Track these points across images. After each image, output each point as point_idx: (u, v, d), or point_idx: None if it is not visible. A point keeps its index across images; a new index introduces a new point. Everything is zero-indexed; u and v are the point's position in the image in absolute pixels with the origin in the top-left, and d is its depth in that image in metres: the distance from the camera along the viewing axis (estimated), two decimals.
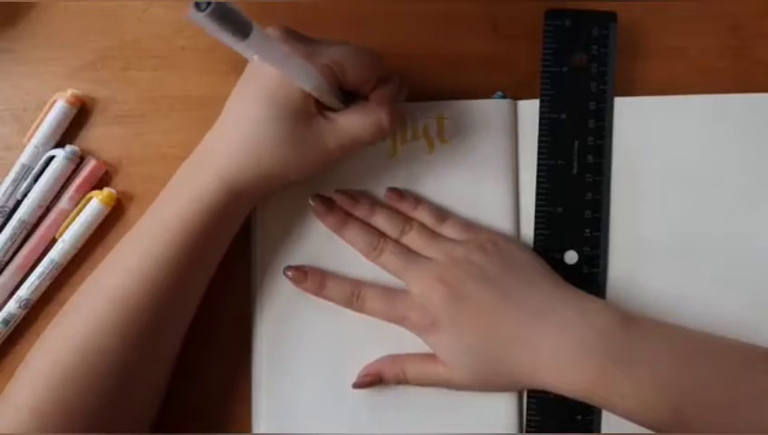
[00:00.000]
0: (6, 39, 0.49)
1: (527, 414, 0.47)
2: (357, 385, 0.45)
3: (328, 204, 0.46)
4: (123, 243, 0.43)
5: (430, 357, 0.44)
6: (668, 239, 0.47)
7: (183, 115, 0.48)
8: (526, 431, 0.46)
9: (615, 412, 0.41)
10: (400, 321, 0.45)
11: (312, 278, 0.46)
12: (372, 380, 0.45)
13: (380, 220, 0.46)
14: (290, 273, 0.46)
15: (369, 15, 0.49)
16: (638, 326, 0.42)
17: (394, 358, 0.46)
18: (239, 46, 0.32)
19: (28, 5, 0.49)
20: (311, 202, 0.46)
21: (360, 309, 0.45)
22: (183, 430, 0.47)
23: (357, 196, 0.47)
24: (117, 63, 0.49)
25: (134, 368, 0.41)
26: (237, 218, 0.44)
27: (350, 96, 0.43)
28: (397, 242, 0.46)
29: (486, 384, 0.44)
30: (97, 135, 0.48)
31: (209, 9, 0.30)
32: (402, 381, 0.45)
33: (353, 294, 0.45)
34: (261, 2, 0.49)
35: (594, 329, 0.42)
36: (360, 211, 0.47)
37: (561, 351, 0.41)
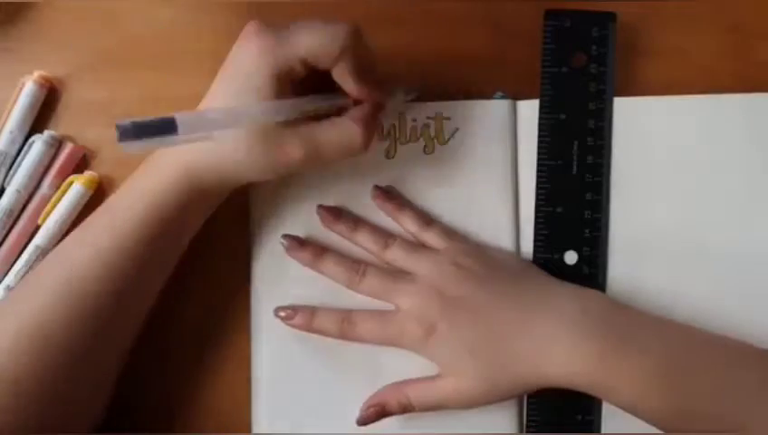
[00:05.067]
0: (6, 39, 0.49)
1: (527, 414, 0.47)
2: (361, 421, 0.44)
3: (299, 241, 0.46)
4: (88, 221, 0.43)
5: (431, 378, 0.44)
6: (668, 239, 0.47)
7: None
8: (526, 431, 0.47)
9: (615, 400, 0.41)
10: (396, 339, 0.44)
11: (302, 314, 0.45)
12: (375, 411, 0.44)
13: (363, 236, 0.46)
14: (283, 313, 0.46)
15: (368, 16, 0.49)
16: (631, 311, 0.44)
17: (395, 386, 0.45)
18: (179, 140, 0.33)
19: (28, 5, 0.49)
20: (281, 241, 0.46)
21: (353, 334, 0.44)
22: (183, 430, 0.47)
23: (339, 212, 0.47)
24: (117, 63, 0.49)
25: (84, 345, 0.41)
26: (201, 211, 0.44)
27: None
28: (376, 267, 0.45)
29: (492, 389, 0.43)
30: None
31: (128, 131, 0.31)
32: (407, 407, 0.44)
33: (343, 320, 0.44)
34: (261, 2, 0.49)
35: (590, 313, 0.42)
36: (342, 227, 0.46)
37: (560, 338, 0.41)
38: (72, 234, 0.43)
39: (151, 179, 0.42)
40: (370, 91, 0.42)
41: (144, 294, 0.44)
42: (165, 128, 0.32)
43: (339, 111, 0.42)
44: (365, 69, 0.41)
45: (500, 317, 0.43)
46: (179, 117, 0.33)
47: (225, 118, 0.38)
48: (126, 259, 0.41)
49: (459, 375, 0.43)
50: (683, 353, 0.41)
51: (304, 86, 0.42)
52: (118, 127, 0.31)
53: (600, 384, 0.41)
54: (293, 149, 0.41)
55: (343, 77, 0.41)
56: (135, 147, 0.32)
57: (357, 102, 0.43)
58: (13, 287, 0.46)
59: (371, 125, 0.42)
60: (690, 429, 0.40)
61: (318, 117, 0.42)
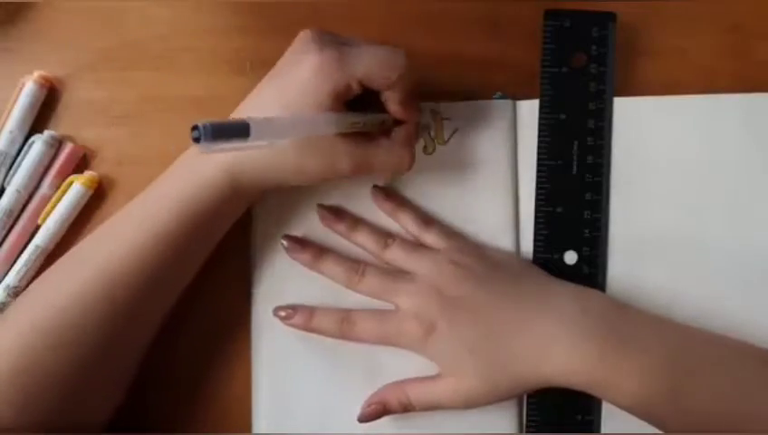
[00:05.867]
0: (6, 39, 0.49)
1: (527, 414, 0.47)
2: (362, 417, 0.45)
3: (300, 242, 0.46)
4: (119, 215, 0.43)
5: (431, 377, 0.44)
6: (668, 239, 0.47)
7: (183, 115, 0.48)
8: (526, 431, 0.47)
9: (615, 400, 0.41)
10: (395, 338, 0.44)
11: (301, 313, 0.45)
12: (376, 409, 0.44)
13: (363, 235, 0.46)
14: (282, 313, 0.46)
15: (369, 15, 0.49)
16: (631, 311, 0.44)
17: (395, 385, 0.45)
18: (246, 145, 0.33)
19: (28, 5, 0.49)
20: (282, 242, 0.46)
21: (352, 333, 0.45)
22: (183, 430, 0.47)
23: (339, 211, 0.47)
24: (117, 63, 0.49)
25: (112, 339, 0.41)
26: (235, 211, 0.44)
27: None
28: (376, 266, 0.46)
29: (492, 389, 0.43)
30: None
31: (204, 133, 0.31)
32: (407, 406, 0.44)
33: (342, 320, 0.45)
34: (261, 2, 0.49)
35: (590, 313, 0.42)
36: (342, 226, 0.46)
37: (559, 338, 0.41)
38: (100, 229, 0.43)
39: (190, 177, 0.42)
40: (412, 114, 0.43)
41: (174, 285, 0.44)
42: (239, 131, 0.33)
43: (381, 125, 0.44)
44: (409, 93, 0.42)
45: (500, 317, 0.43)
46: (252, 122, 0.33)
47: (292, 126, 0.38)
48: (158, 253, 0.41)
49: (459, 375, 0.43)
50: (682, 353, 0.41)
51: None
52: (198, 127, 0.31)
53: (599, 384, 0.41)
54: (346, 164, 0.42)
55: (391, 100, 0.42)
56: (208, 148, 0.32)
57: (396, 120, 0.44)
58: (14, 287, 0.46)
59: (414, 146, 0.45)
60: (689, 428, 0.40)
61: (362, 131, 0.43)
